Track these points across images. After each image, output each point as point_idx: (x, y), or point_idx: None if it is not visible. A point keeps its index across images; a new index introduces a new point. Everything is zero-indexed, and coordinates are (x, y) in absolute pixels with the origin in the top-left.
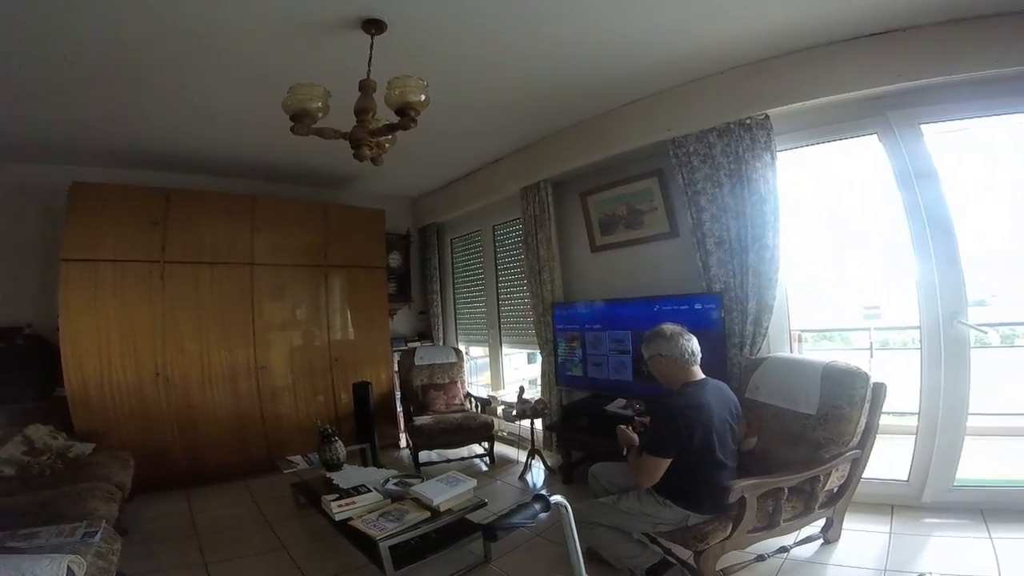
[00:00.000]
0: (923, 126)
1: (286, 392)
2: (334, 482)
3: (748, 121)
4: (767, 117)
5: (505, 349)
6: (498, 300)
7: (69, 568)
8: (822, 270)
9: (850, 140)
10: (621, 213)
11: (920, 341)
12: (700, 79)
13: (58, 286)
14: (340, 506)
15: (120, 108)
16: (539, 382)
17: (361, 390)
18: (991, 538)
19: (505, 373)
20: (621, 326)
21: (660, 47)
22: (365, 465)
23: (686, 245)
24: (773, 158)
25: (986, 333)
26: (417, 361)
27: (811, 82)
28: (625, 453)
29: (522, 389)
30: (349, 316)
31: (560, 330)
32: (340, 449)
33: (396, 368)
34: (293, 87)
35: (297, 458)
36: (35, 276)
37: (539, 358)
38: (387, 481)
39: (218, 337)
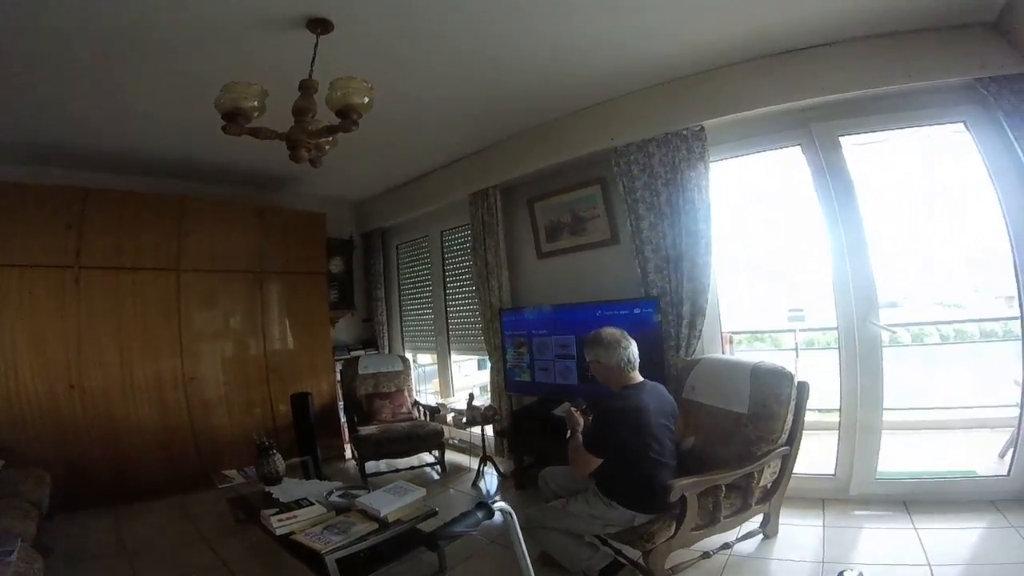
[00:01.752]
0: (842, 138)
1: (219, 405)
2: (274, 496)
3: (685, 132)
4: (702, 128)
5: (454, 356)
6: (446, 307)
7: None
8: (752, 275)
9: (776, 151)
10: (566, 220)
11: (838, 341)
12: (642, 90)
13: None
14: (281, 520)
15: (37, 102)
16: (489, 388)
17: (300, 400)
18: (915, 528)
19: (455, 380)
20: (566, 331)
21: (601, 58)
22: (308, 478)
23: (626, 251)
24: (707, 168)
25: (895, 332)
26: (361, 370)
27: (742, 95)
28: (568, 436)
29: (471, 396)
30: (288, 324)
31: (508, 336)
32: (279, 462)
33: (339, 378)
34: (227, 85)
35: (233, 472)
36: None
37: (489, 364)
38: (331, 493)
39: (141, 346)
